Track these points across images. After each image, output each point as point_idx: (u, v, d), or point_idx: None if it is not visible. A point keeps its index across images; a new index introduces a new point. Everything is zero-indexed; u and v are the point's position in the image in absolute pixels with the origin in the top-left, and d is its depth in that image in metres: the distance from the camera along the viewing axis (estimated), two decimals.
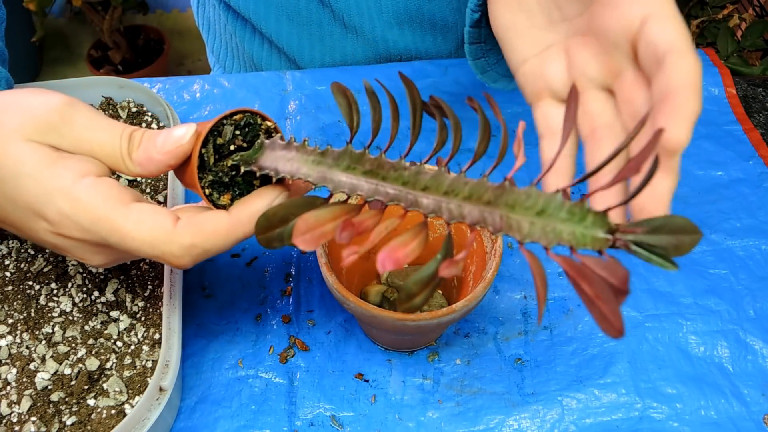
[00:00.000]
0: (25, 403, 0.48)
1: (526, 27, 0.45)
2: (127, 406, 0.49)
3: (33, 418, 0.47)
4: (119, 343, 0.52)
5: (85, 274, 0.55)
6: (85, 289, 0.54)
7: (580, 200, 0.31)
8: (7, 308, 0.52)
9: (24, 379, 0.49)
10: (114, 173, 0.58)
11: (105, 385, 0.50)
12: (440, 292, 0.61)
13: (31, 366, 0.50)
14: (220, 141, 0.41)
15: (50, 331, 0.52)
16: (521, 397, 0.56)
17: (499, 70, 0.57)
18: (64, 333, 0.52)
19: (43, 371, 0.49)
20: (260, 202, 0.41)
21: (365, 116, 0.39)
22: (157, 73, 2.09)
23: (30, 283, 0.54)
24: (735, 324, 0.60)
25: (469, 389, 0.57)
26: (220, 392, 0.56)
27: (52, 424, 0.48)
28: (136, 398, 0.49)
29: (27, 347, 0.51)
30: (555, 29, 0.45)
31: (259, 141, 0.41)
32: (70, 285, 0.54)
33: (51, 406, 0.48)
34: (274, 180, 0.41)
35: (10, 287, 0.53)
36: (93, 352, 0.51)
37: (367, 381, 0.57)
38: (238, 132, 0.41)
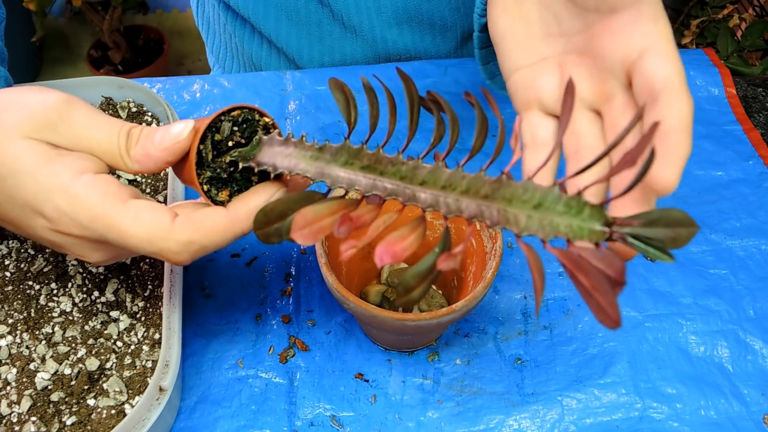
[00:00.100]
0: (25, 403, 0.48)
1: (523, 36, 0.45)
2: (127, 406, 0.49)
3: (33, 418, 0.47)
4: (119, 343, 0.52)
5: (85, 274, 0.55)
6: (85, 289, 0.54)
7: (576, 193, 0.31)
8: (7, 308, 0.52)
9: (24, 379, 0.49)
10: (113, 171, 0.58)
11: (105, 385, 0.50)
12: (440, 292, 0.61)
13: (31, 366, 0.50)
14: (218, 137, 0.41)
15: (50, 331, 0.52)
16: (521, 397, 0.56)
17: None
18: (64, 333, 0.52)
19: (43, 371, 0.49)
20: (258, 197, 0.41)
21: (364, 116, 0.39)
22: (157, 73, 2.09)
23: (30, 283, 0.54)
24: (735, 324, 0.60)
25: (469, 389, 0.57)
26: (220, 392, 0.56)
27: (52, 424, 0.47)
28: (136, 398, 0.49)
29: (27, 347, 0.51)
30: (552, 42, 0.45)
31: (256, 137, 0.42)
32: (70, 285, 0.54)
33: (51, 406, 0.48)
34: (272, 176, 0.41)
35: (10, 287, 0.53)
36: (93, 352, 0.51)
37: (367, 381, 0.57)
38: (236, 128, 0.41)
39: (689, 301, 0.62)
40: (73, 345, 0.51)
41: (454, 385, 0.57)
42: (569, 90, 0.30)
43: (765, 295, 0.62)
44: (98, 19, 1.95)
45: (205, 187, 0.41)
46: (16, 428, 0.47)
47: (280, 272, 0.63)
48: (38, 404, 0.48)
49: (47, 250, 0.56)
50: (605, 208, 0.31)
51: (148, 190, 0.61)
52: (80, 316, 0.53)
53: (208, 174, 0.41)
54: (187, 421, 0.54)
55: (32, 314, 0.52)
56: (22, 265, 0.55)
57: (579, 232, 0.31)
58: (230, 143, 0.42)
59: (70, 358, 0.50)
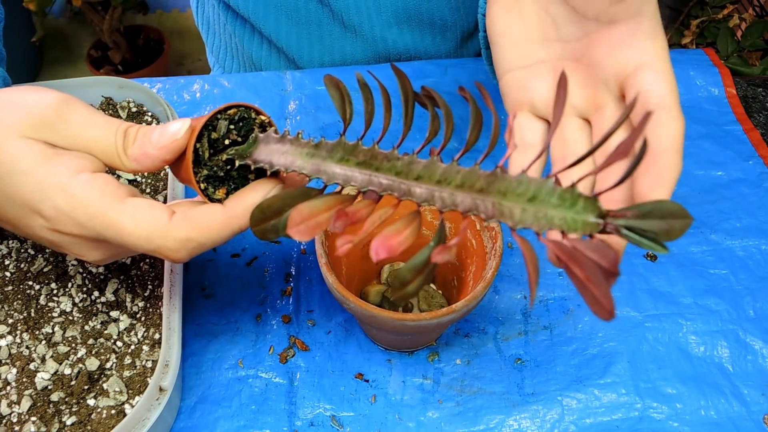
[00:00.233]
0: (25, 403, 0.48)
1: (520, 37, 0.45)
2: (127, 406, 0.49)
3: (33, 418, 0.47)
4: (119, 343, 0.52)
5: (85, 274, 0.55)
6: (85, 289, 0.54)
7: (570, 186, 0.31)
8: (7, 308, 0.52)
9: (24, 379, 0.49)
10: (112, 170, 0.59)
11: (105, 385, 0.50)
12: (440, 292, 0.61)
13: (31, 366, 0.50)
14: (214, 136, 0.41)
15: (50, 331, 0.52)
16: (521, 397, 0.56)
17: None
18: (64, 333, 0.52)
19: (43, 371, 0.50)
20: (255, 194, 0.41)
21: (361, 114, 0.39)
22: (157, 73, 2.09)
23: (30, 283, 0.54)
24: (735, 324, 0.60)
25: (469, 389, 0.56)
26: (220, 392, 0.56)
27: (52, 424, 0.48)
28: (136, 398, 0.49)
29: (27, 347, 0.51)
30: (549, 46, 0.45)
31: (253, 135, 0.42)
32: (70, 285, 0.54)
33: (51, 406, 0.48)
34: (268, 173, 0.41)
35: (10, 287, 0.54)
36: (93, 352, 0.51)
37: (367, 381, 0.57)
38: (232, 126, 0.42)
39: (689, 301, 0.62)
40: (73, 345, 0.51)
41: (454, 385, 0.57)
42: (562, 83, 0.30)
43: (765, 295, 0.62)
44: (98, 19, 1.95)
45: (202, 185, 0.42)
46: (16, 428, 0.47)
47: (280, 272, 0.63)
48: (38, 404, 0.48)
49: (47, 250, 0.56)
50: (599, 200, 0.31)
51: (148, 190, 0.61)
52: (80, 316, 0.53)
53: (205, 172, 0.42)
54: (187, 421, 0.54)
55: (32, 314, 0.52)
56: (22, 265, 0.55)
57: (573, 224, 0.31)
58: (227, 141, 0.42)
59: (70, 358, 0.50)
